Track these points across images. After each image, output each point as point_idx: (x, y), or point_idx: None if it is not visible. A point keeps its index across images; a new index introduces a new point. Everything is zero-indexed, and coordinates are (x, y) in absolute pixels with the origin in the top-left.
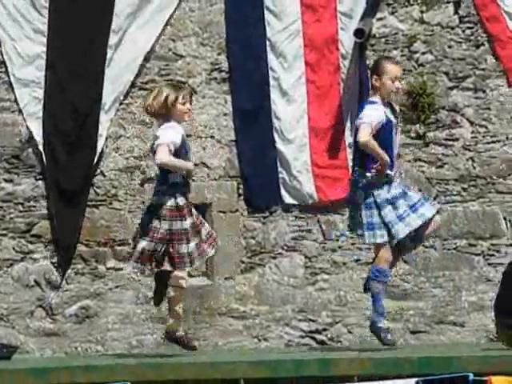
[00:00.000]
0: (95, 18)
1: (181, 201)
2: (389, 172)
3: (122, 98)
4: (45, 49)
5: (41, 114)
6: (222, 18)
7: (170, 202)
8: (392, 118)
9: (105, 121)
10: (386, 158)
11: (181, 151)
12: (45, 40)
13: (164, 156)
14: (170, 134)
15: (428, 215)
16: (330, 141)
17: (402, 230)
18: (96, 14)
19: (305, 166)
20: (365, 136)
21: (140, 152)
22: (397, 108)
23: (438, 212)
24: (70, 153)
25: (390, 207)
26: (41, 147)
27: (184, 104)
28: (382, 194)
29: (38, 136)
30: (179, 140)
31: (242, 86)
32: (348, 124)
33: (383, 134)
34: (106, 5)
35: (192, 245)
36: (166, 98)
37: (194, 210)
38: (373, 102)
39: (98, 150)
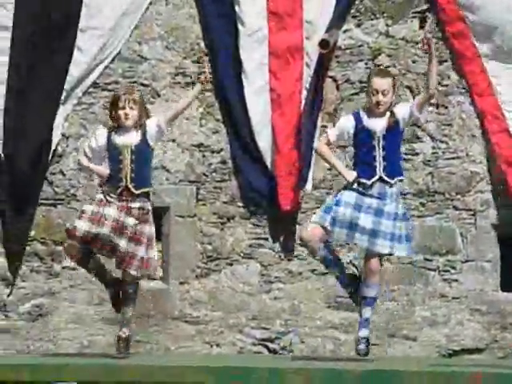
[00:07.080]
0: (63, 16)
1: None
2: (362, 180)
3: (80, 94)
4: (9, 44)
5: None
6: (188, 23)
7: None
8: (373, 127)
9: (59, 113)
10: (339, 167)
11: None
12: (9, 35)
13: (80, 158)
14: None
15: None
16: (288, 149)
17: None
18: (64, 11)
19: (266, 174)
20: (318, 143)
21: None
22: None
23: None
24: (27, 150)
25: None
26: None
27: (122, 108)
28: (346, 193)
29: None
30: (94, 144)
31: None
32: (306, 134)
33: (359, 141)
34: (73, 3)
35: None
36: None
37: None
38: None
39: (54, 143)
